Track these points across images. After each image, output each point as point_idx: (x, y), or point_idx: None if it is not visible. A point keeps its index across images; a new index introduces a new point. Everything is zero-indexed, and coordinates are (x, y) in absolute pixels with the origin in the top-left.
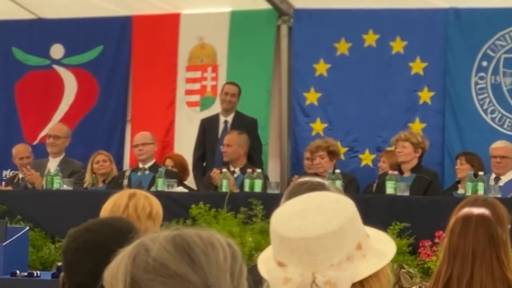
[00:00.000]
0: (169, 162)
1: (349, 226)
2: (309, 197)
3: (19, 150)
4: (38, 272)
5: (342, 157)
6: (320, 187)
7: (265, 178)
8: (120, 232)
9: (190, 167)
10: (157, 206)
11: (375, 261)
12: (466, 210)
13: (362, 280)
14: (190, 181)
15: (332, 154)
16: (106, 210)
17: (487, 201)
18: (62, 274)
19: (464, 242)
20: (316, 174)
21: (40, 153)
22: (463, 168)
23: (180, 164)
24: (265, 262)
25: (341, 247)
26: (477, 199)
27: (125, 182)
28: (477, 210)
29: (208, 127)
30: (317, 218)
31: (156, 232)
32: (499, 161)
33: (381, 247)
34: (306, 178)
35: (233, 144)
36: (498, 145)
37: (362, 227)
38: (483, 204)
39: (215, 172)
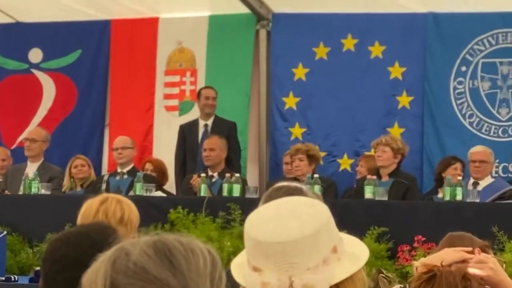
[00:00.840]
0: (148, 166)
1: (324, 230)
2: (284, 202)
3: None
4: (16, 276)
5: (321, 162)
6: (297, 191)
7: (244, 183)
8: (100, 248)
9: (169, 172)
10: (129, 211)
11: (350, 264)
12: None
13: (338, 283)
14: (169, 186)
15: (312, 158)
16: (79, 215)
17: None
18: (41, 282)
19: None
20: (295, 179)
21: (18, 157)
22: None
23: (160, 168)
24: (239, 268)
25: (317, 250)
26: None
27: (103, 186)
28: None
29: (188, 132)
30: (292, 222)
31: (133, 237)
32: (478, 165)
33: (355, 251)
34: (284, 183)
35: (216, 148)
36: (477, 150)
37: (337, 231)
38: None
39: (195, 179)
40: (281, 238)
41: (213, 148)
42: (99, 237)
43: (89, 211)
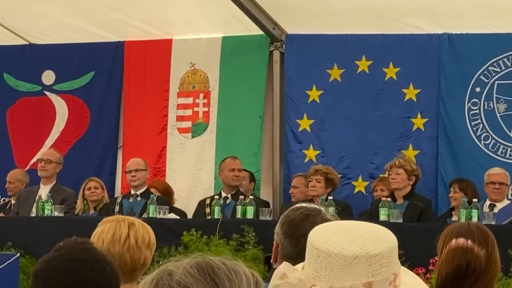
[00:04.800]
0: (154, 191)
1: (365, 261)
2: (360, 223)
3: (10, 174)
4: None
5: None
6: (315, 212)
7: (257, 203)
8: (90, 267)
9: (182, 195)
10: (153, 235)
11: None
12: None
13: None
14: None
15: (330, 182)
16: (106, 239)
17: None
18: None
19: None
20: (310, 201)
21: (31, 179)
22: (456, 196)
23: (165, 190)
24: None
25: (347, 275)
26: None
27: (117, 208)
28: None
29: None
30: (343, 239)
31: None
32: (498, 187)
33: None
34: (303, 204)
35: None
36: (497, 172)
37: (389, 272)
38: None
39: None
40: (320, 246)
41: (241, 169)
42: (86, 256)
43: (118, 235)
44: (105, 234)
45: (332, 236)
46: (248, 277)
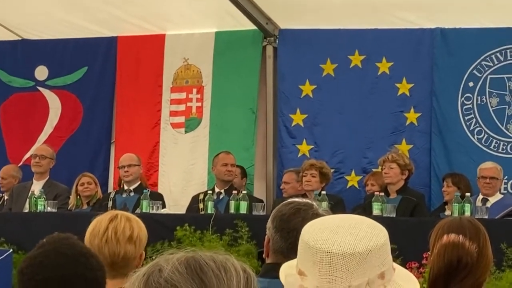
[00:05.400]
0: None
1: (376, 253)
2: (347, 217)
3: (4, 169)
4: None
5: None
6: (307, 207)
7: (251, 200)
8: (75, 261)
9: (175, 190)
10: (138, 229)
11: None
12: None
13: None
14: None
15: (324, 176)
16: (88, 232)
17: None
18: None
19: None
20: (303, 196)
21: (24, 175)
22: (449, 191)
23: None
24: (287, 268)
25: (364, 271)
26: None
27: (110, 204)
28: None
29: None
30: (347, 236)
31: (141, 255)
32: (489, 182)
33: (404, 285)
34: (295, 199)
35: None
36: (488, 166)
37: (390, 258)
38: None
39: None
40: (331, 249)
41: (234, 164)
42: (72, 251)
43: (98, 228)
44: (89, 227)
45: (332, 236)
46: (239, 273)
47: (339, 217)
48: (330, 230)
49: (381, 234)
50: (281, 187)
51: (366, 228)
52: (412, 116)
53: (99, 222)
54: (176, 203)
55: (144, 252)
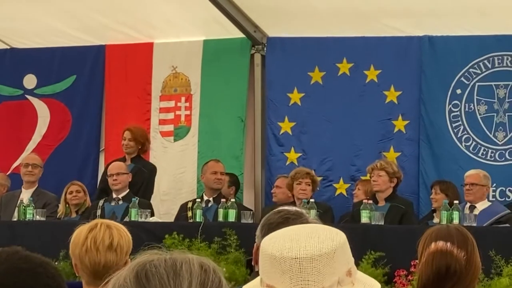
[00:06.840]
0: (127, 135)
1: (341, 251)
2: (302, 226)
3: None
4: None
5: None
6: (296, 215)
7: (239, 208)
8: (35, 273)
9: (162, 197)
10: (119, 237)
11: None
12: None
13: None
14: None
15: (314, 184)
16: (70, 242)
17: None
18: None
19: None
20: (292, 204)
21: (13, 183)
22: (438, 198)
23: (141, 135)
24: None
25: (333, 270)
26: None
27: (99, 212)
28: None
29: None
30: (310, 240)
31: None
32: (469, 188)
33: (367, 281)
34: (285, 207)
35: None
36: (470, 173)
37: (351, 256)
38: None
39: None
40: (298, 255)
41: (223, 172)
42: (27, 264)
43: (78, 238)
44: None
45: (295, 243)
46: (194, 276)
47: (293, 228)
48: (291, 239)
49: (339, 233)
50: (272, 191)
51: (323, 231)
52: (400, 124)
53: (79, 232)
54: (166, 211)
55: (129, 259)
